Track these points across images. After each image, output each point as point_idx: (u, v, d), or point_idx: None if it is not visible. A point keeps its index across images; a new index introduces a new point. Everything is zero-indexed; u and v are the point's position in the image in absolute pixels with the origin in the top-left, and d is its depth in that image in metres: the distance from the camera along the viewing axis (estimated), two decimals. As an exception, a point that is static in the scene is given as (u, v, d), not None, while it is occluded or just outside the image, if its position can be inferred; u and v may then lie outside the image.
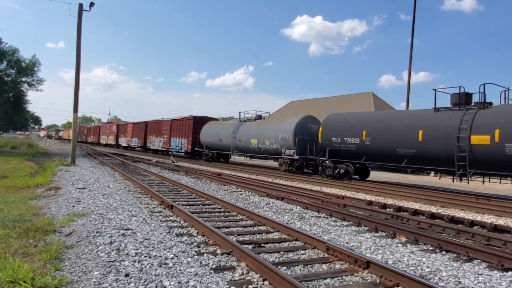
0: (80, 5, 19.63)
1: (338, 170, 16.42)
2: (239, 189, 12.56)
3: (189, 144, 29.54)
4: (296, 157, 18.77)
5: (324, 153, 17.28)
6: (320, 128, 17.79)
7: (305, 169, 19.31)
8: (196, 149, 28.94)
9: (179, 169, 19.52)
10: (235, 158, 30.23)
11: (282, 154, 19.84)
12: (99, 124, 67.68)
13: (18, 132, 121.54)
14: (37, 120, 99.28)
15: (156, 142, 36.59)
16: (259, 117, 24.98)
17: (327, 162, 16.92)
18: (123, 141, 48.55)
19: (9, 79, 34.32)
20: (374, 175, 20.60)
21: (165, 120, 34.44)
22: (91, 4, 19.57)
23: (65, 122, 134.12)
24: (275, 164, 23.48)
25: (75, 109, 20.04)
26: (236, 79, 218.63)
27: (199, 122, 29.37)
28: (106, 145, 56.76)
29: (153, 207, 8.37)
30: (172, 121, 32.91)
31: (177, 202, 8.81)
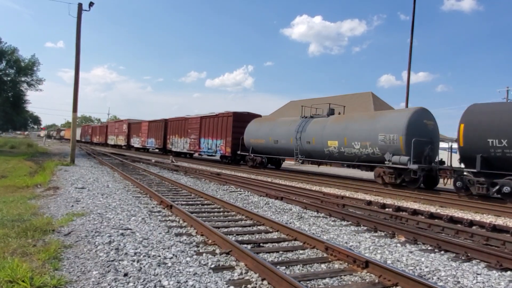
0: (80, 5, 19.62)
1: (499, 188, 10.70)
2: (238, 189, 12.56)
3: (228, 146, 23.85)
4: (413, 166, 13.01)
5: (467, 162, 11.65)
6: (462, 126, 11.82)
7: (422, 184, 13.60)
8: (239, 152, 23.14)
9: (178, 169, 19.52)
10: (284, 164, 24.48)
11: (386, 162, 14.12)
12: (106, 123, 61.44)
13: (18, 132, 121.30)
14: (36, 120, 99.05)
15: (179, 144, 31.35)
16: (331, 112, 18.77)
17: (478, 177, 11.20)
18: (136, 142, 43.05)
19: (8, 78, 34.26)
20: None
21: (193, 118, 29.15)
22: (91, 4, 19.58)
23: (64, 122, 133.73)
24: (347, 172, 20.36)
25: (75, 109, 20.04)
26: (235, 79, 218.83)
27: (240, 119, 23.89)
28: (115, 146, 50.99)
29: (152, 207, 8.36)
30: (202, 119, 27.53)
31: (176, 202, 8.81)
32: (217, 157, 26.84)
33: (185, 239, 5.69)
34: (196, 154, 31.05)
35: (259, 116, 25.49)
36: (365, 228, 7.29)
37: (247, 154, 22.30)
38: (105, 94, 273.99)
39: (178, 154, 32.09)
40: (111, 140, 52.80)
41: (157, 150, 38.09)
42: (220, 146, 24.89)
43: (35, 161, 21.51)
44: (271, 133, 20.53)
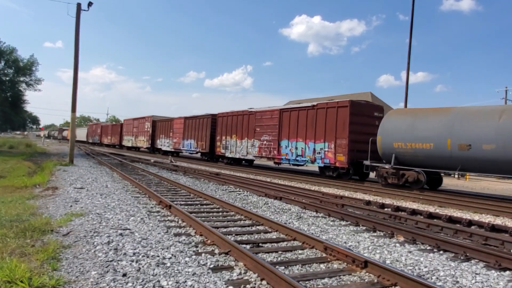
0: (78, 5, 19.59)
1: None
2: (238, 189, 12.56)
3: (341, 152, 15.79)
4: None
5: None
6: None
7: None
8: (366, 162, 14.75)
9: (177, 169, 19.50)
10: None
11: None
12: (122, 122, 50.85)
13: (18, 132, 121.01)
14: (35, 120, 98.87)
15: (243, 148, 22.14)
16: None
17: None
18: (164, 144, 34.22)
19: (7, 78, 34.25)
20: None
21: (266, 111, 20.43)
22: (90, 4, 19.55)
23: (63, 122, 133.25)
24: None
25: (73, 109, 20.00)
26: (234, 79, 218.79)
27: (359, 111, 15.94)
28: (133, 148, 43.31)
29: (151, 207, 8.36)
30: (283, 112, 19.16)
31: (175, 202, 8.80)
32: (312, 168, 19.48)
33: (184, 239, 5.69)
34: (272, 163, 21.61)
35: (381, 107, 17.23)
36: (364, 228, 7.29)
37: (383, 164, 14.25)
38: (104, 94, 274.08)
39: (237, 162, 24.33)
40: (128, 142, 44.67)
41: (198, 154, 29.58)
42: (324, 152, 16.52)
43: (34, 161, 21.48)
44: (452, 132, 12.02)
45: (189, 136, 29.43)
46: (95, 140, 61.08)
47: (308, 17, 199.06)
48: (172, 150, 32.71)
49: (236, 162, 24.32)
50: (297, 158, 18.17)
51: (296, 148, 18.20)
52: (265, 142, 20.48)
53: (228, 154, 23.93)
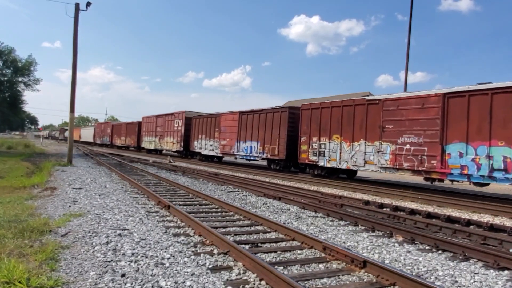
0: (77, 5, 19.55)
1: None
2: (236, 189, 12.55)
3: None
4: None
5: None
6: None
7: None
8: None
9: (176, 169, 19.48)
10: None
11: None
12: (140, 120, 40.29)
13: (17, 133, 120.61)
14: (33, 120, 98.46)
15: (356, 154, 14.89)
16: None
17: None
18: (206, 146, 26.60)
19: (5, 79, 34.16)
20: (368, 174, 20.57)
21: (421, 96, 12.79)
22: (88, 4, 19.51)
23: (62, 122, 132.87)
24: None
25: (72, 109, 19.96)
26: (233, 79, 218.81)
27: None
28: (155, 151, 36.35)
29: (150, 207, 8.35)
30: (448, 97, 11.93)
31: (174, 202, 8.79)
32: (494, 187, 13.39)
33: (183, 240, 5.68)
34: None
35: None
36: (363, 228, 7.29)
37: None
38: (102, 95, 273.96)
39: (331, 173, 16.80)
40: (149, 143, 36.38)
41: (263, 161, 22.29)
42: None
43: (32, 161, 21.43)
44: None
45: (247, 137, 21.90)
46: (105, 141, 53.21)
47: (307, 17, 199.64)
48: (219, 154, 25.21)
49: (333, 174, 16.79)
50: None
51: (470, 154, 11.20)
52: (408, 146, 13.04)
53: (323, 163, 16.42)
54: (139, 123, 40.72)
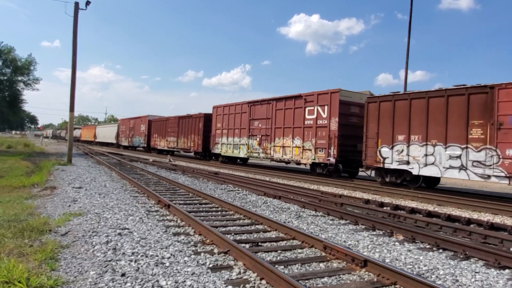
0: (76, 4, 19.51)
1: None
2: (236, 188, 12.54)
3: None
4: None
5: None
6: None
7: None
8: None
9: (176, 168, 19.47)
10: None
11: None
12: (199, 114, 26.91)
13: (17, 132, 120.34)
14: (33, 120, 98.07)
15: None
16: None
17: None
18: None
19: (5, 78, 34.10)
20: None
21: None
22: (87, 3, 19.47)
23: (61, 121, 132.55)
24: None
25: (72, 108, 19.93)
26: (233, 78, 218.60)
27: None
28: (245, 162, 24.00)
29: (150, 207, 8.33)
30: None
31: (174, 202, 8.78)
32: None
33: (183, 239, 5.67)
34: None
35: None
36: (363, 226, 7.29)
37: None
38: (102, 94, 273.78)
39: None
40: (234, 149, 22.14)
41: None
42: None
43: (32, 161, 21.41)
44: None
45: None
46: (136, 142, 40.26)
47: (306, 16, 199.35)
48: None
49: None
50: None
51: None
52: None
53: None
54: (205, 117, 26.09)
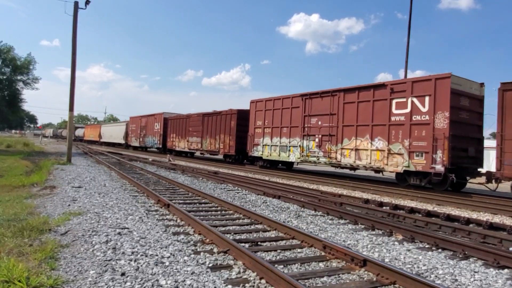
0: (76, 3, 19.49)
1: None
2: (236, 187, 12.54)
3: None
4: None
5: None
6: None
7: None
8: None
9: (175, 167, 19.47)
10: None
11: None
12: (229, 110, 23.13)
13: (17, 131, 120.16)
14: (32, 119, 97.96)
15: None
16: None
17: None
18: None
19: (4, 77, 34.08)
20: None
21: None
22: (87, 2, 19.46)
23: (61, 120, 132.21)
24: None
25: (71, 108, 19.92)
26: (232, 77, 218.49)
27: None
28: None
29: (150, 206, 8.34)
30: None
31: (173, 201, 8.78)
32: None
33: (182, 238, 5.67)
34: None
35: None
36: (362, 226, 7.29)
37: None
38: (101, 93, 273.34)
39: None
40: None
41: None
42: None
43: (32, 160, 21.40)
44: None
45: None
46: (149, 142, 35.52)
47: (306, 15, 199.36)
48: None
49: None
50: None
51: None
52: None
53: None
54: (240, 113, 22.28)
